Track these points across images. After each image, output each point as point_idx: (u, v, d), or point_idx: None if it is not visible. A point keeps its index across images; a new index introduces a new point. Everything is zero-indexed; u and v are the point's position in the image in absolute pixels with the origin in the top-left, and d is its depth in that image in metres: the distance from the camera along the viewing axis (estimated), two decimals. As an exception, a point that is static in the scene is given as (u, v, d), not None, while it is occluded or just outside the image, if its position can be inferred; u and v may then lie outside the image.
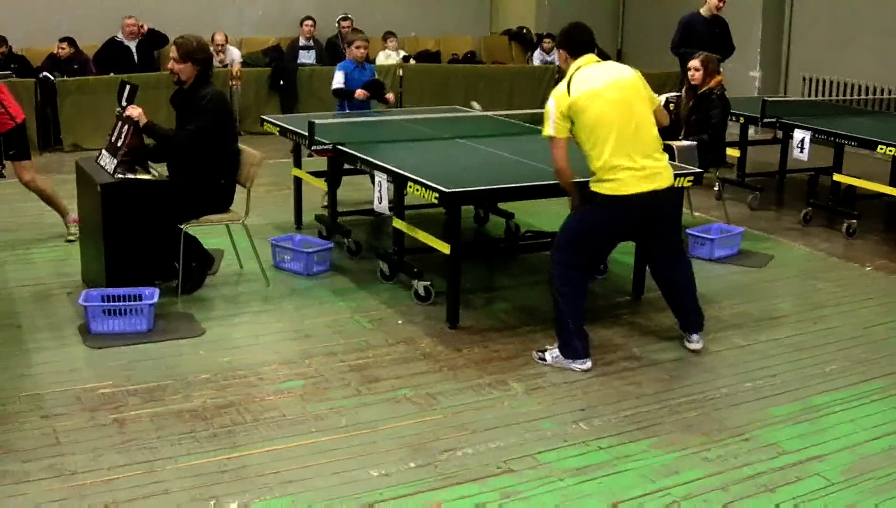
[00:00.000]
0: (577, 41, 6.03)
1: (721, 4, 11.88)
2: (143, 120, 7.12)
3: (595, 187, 5.90)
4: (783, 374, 6.15)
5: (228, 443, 5.12)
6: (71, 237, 8.54)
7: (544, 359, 6.17)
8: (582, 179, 6.14)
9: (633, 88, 5.96)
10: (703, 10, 12.03)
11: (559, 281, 6.03)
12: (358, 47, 10.16)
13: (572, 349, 6.07)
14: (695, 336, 6.42)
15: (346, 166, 8.49)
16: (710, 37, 11.63)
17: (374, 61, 15.55)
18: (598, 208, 5.92)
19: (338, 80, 9.97)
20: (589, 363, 6.08)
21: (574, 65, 5.96)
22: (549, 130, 5.90)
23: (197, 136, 7.10)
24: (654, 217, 6.07)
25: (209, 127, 7.14)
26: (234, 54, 15.07)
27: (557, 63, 16.42)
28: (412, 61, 16.13)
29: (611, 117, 5.78)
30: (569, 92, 5.82)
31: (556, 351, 6.15)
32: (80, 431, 5.23)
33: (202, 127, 7.10)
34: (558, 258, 6.05)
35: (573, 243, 6.03)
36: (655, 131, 6.01)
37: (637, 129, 5.86)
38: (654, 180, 5.86)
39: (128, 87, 7.41)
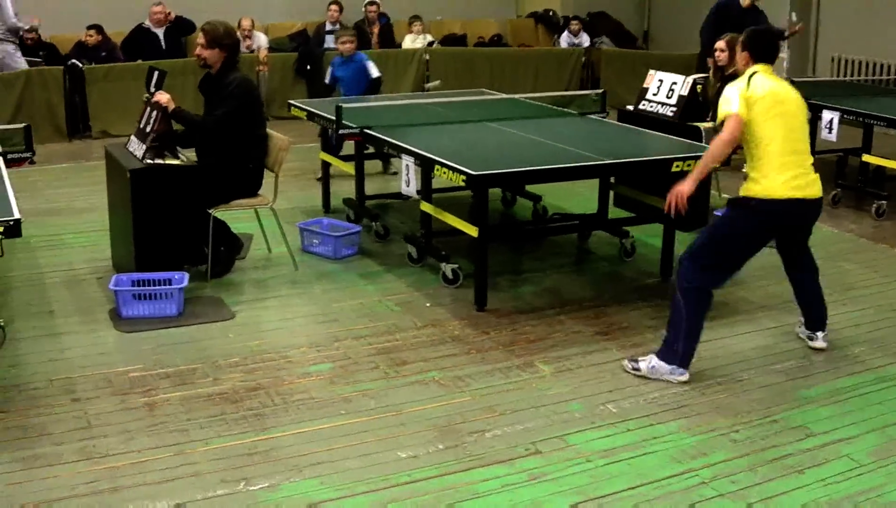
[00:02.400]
0: (766, 50, 5.92)
1: None
2: (172, 106, 7.15)
3: (748, 191, 5.76)
4: (811, 355, 6.13)
5: (258, 426, 5.16)
6: None
7: (638, 369, 5.83)
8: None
9: (800, 106, 5.90)
10: None
11: (690, 284, 5.73)
12: (343, 42, 10.57)
13: (674, 353, 5.75)
14: (819, 334, 6.26)
15: (371, 150, 8.51)
16: (743, 28, 11.43)
17: (399, 45, 15.59)
18: (750, 213, 5.75)
19: (328, 74, 10.67)
20: (687, 375, 5.76)
21: (751, 69, 5.87)
22: (731, 107, 5.67)
23: (225, 121, 7.13)
24: (797, 225, 6.02)
25: (237, 112, 7.17)
26: (261, 40, 15.08)
27: (584, 46, 16.41)
28: (436, 45, 16.09)
29: (779, 123, 5.72)
30: (748, 87, 5.73)
31: (654, 360, 5.81)
32: (111, 414, 5.28)
33: (230, 112, 7.14)
34: (693, 260, 5.75)
35: (714, 247, 5.80)
36: (808, 145, 5.95)
37: (797, 141, 5.81)
38: (806, 189, 5.76)
39: (156, 73, 7.45)
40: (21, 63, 13.16)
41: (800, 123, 5.85)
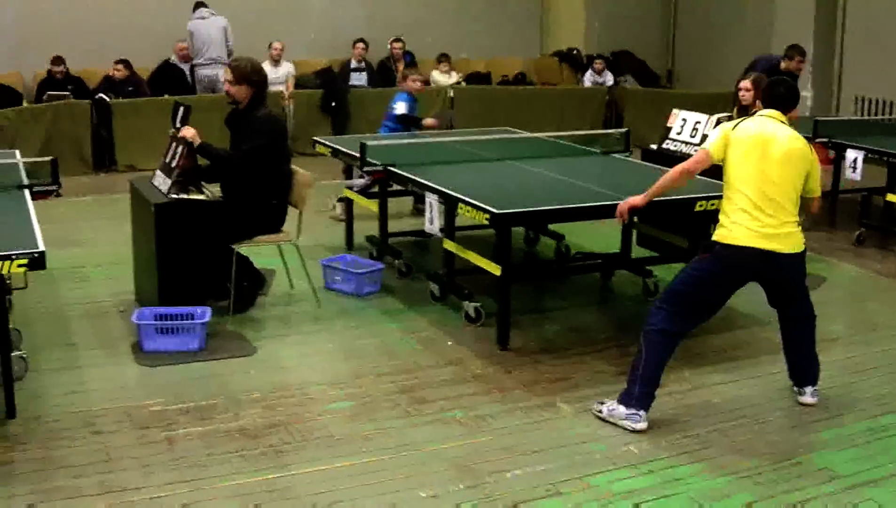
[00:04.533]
0: (775, 98, 5.84)
1: (801, 67, 11.56)
2: (198, 140, 7.18)
3: (716, 236, 5.68)
4: (836, 397, 6.08)
5: (277, 462, 5.14)
6: None
7: (601, 412, 5.73)
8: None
9: (790, 157, 5.63)
10: (783, 63, 11.38)
11: (651, 327, 5.67)
12: (414, 81, 10.74)
13: (629, 396, 5.62)
14: (808, 389, 5.99)
15: (396, 188, 8.52)
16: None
17: (427, 83, 15.65)
18: (713, 258, 5.65)
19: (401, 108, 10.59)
20: (644, 424, 5.57)
21: (760, 112, 5.84)
22: (707, 142, 5.80)
23: (252, 156, 7.16)
24: (768, 276, 5.76)
25: (264, 148, 7.19)
26: (289, 68, 15.20)
27: (608, 85, 16.46)
28: (462, 83, 16.15)
29: (755, 169, 5.56)
30: (735, 127, 5.71)
31: (614, 404, 5.70)
32: (131, 448, 5.28)
33: (256, 147, 7.16)
34: (660, 305, 5.72)
35: (679, 292, 5.72)
36: (791, 199, 5.66)
37: (775, 192, 5.56)
38: (773, 241, 5.54)
39: (182, 108, 7.49)
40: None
41: (781, 174, 5.58)
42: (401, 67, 15.79)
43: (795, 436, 5.56)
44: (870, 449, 5.40)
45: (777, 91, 5.87)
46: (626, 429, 5.56)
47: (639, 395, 5.59)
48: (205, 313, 6.77)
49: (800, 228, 5.68)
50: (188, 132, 7.21)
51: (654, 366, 5.62)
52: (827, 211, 10.60)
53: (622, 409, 5.62)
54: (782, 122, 5.75)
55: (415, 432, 5.55)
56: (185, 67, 14.84)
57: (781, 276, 5.75)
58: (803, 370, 6.02)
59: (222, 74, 12.73)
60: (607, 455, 5.29)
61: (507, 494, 4.86)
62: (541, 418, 5.75)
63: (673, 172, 5.91)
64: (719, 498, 4.85)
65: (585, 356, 6.69)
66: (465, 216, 6.87)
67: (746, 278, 5.79)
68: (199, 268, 7.12)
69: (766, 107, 5.83)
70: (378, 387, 6.16)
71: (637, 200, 6.05)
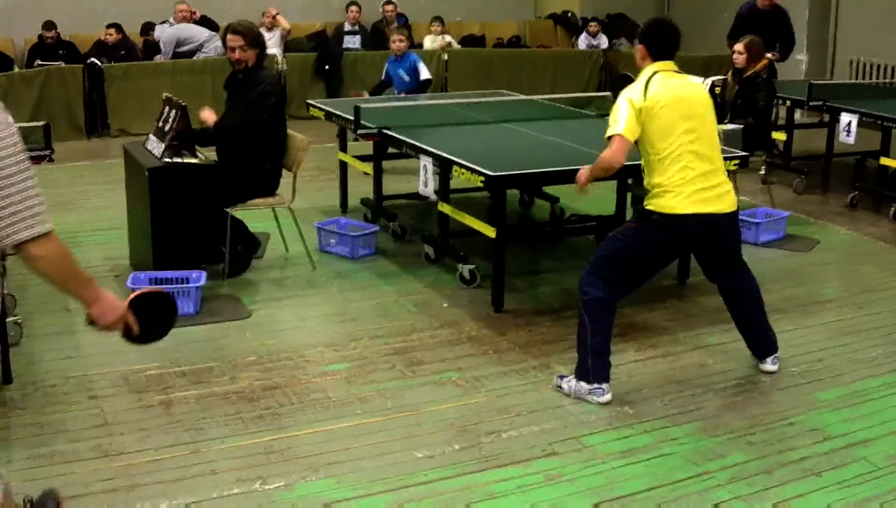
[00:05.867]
0: (662, 43, 5.55)
1: (768, 4, 11.50)
2: (213, 120, 7.24)
3: (650, 205, 5.49)
4: (828, 359, 6.11)
5: (274, 425, 5.17)
6: None
7: (561, 387, 5.59)
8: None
9: (707, 107, 5.56)
10: (759, 2, 11.57)
11: (588, 296, 5.50)
12: (395, 42, 10.93)
13: (586, 372, 5.48)
14: (769, 359, 5.89)
15: (391, 151, 8.51)
16: (760, 30, 11.35)
17: (420, 46, 15.59)
18: (651, 226, 5.49)
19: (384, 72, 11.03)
20: (608, 396, 5.44)
21: (651, 68, 5.50)
22: (617, 128, 5.36)
23: (267, 115, 7.18)
24: (709, 239, 5.60)
25: (275, 106, 7.26)
26: (285, 23, 15.19)
27: (603, 48, 16.41)
28: (455, 46, 16.09)
29: (681, 130, 5.36)
30: (645, 94, 5.38)
31: (573, 381, 5.55)
32: (128, 412, 5.30)
33: (266, 107, 7.19)
34: (593, 273, 5.54)
35: (615, 260, 5.56)
36: (719, 153, 5.56)
37: (705, 148, 5.43)
38: (715, 203, 5.42)
39: (177, 110, 7.45)
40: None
41: (704, 126, 5.44)
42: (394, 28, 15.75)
43: (789, 397, 5.58)
44: (862, 410, 5.43)
45: (660, 36, 5.58)
46: (591, 403, 5.46)
47: (594, 368, 5.45)
48: (200, 277, 6.77)
49: (729, 181, 5.58)
50: (209, 118, 7.27)
51: (600, 335, 5.45)
52: (821, 174, 10.62)
53: (583, 385, 5.48)
54: (677, 71, 5.53)
55: (411, 393, 5.57)
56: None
57: (722, 238, 5.61)
58: (760, 341, 5.90)
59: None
60: (602, 415, 5.31)
61: (502, 454, 4.88)
62: (536, 379, 5.77)
63: (599, 166, 5.57)
64: (714, 458, 4.87)
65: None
66: (459, 179, 6.87)
67: (686, 246, 5.77)
68: (193, 232, 7.12)
69: (656, 59, 5.51)
70: (373, 349, 6.18)
71: (582, 179, 5.74)
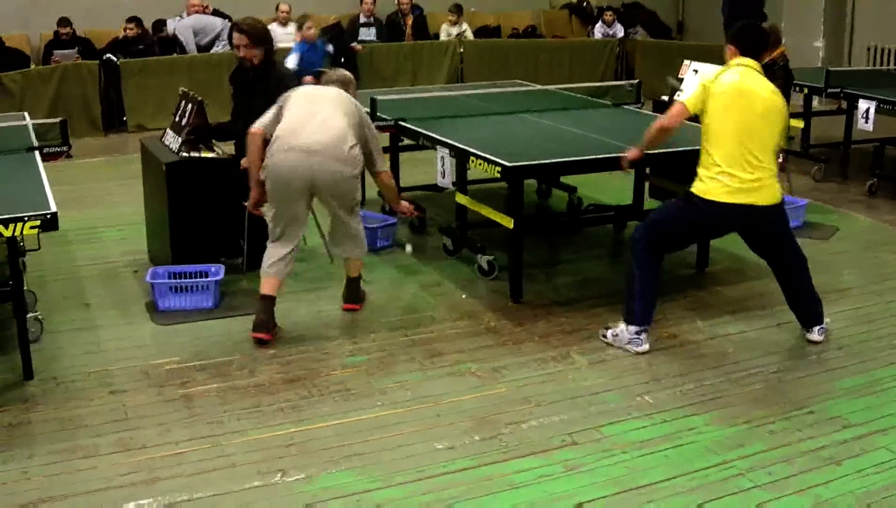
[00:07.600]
0: (750, 45, 5.87)
1: None
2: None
3: (694, 187, 5.82)
4: (848, 346, 6.09)
5: (294, 417, 5.18)
6: None
7: (606, 336, 6.09)
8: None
9: (770, 109, 5.75)
10: None
11: (639, 244, 5.96)
12: (308, 28, 11.67)
13: (631, 313, 5.95)
14: (815, 329, 6.12)
15: (407, 142, 8.51)
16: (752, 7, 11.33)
17: (437, 36, 15.56)
18: (691, 207, 5.83)
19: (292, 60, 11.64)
20: (646, 346, 5.92)
21: (735, 61, 5.84)
22: (684, 94, 5.88)
23: None
24: (750, 229, 5.95)
25: None
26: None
27: (619, 37, 16.37)
28: (470, 36, 16.06)
29: (734, 120, 5.66)
30: (715, 79, 5.76)
31: (620, 326, 6.03)
32: (148, 406, 5.31)
33: None
34: (644, 229, 5.99)
35: (661, 227, 6.00)
36: (770, 155, 5.78)
37: (754, 144, 5.66)
38: (751, 195, 5.68)
39: (194, 104, 7.46)
40: None
41: (761, 127, 5.69)
42: (409, 21, 15.73)
43: (808, 386, 5.57)
44: (882, 398, 5.42)
45: (748, 36, 5.93)
46: (628, 352, 5.92)
47: (639, 310, 5.92)
48: (218, 271, 6.79)
49: (775, 178, 5.82)
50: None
51: (648, 279, 5.92)
52: (839, 162, 10.57)
53: (625, 333, 5.96)
54: (759, 71, 5.83)
55: (430, 385, 5.57)
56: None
57: (763, 227, 5.93)
58: (808, 312, 6.14)
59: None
60: (622, 405, 5.31)
61: (522, 445, 4.88)
62: (555, 369, 5.77)
63: (653, 129, 6.06)
64: (733, 447, 4.87)
65: (598, 308, 6.69)
66: (477, 170, 6.86)
67: (728, 228, 6.05)
68: (211, 226, 7.13)
69: (743, 54, 5.85)
70: (392, 341, 6.18)
71: (634, 153, 6.32)
